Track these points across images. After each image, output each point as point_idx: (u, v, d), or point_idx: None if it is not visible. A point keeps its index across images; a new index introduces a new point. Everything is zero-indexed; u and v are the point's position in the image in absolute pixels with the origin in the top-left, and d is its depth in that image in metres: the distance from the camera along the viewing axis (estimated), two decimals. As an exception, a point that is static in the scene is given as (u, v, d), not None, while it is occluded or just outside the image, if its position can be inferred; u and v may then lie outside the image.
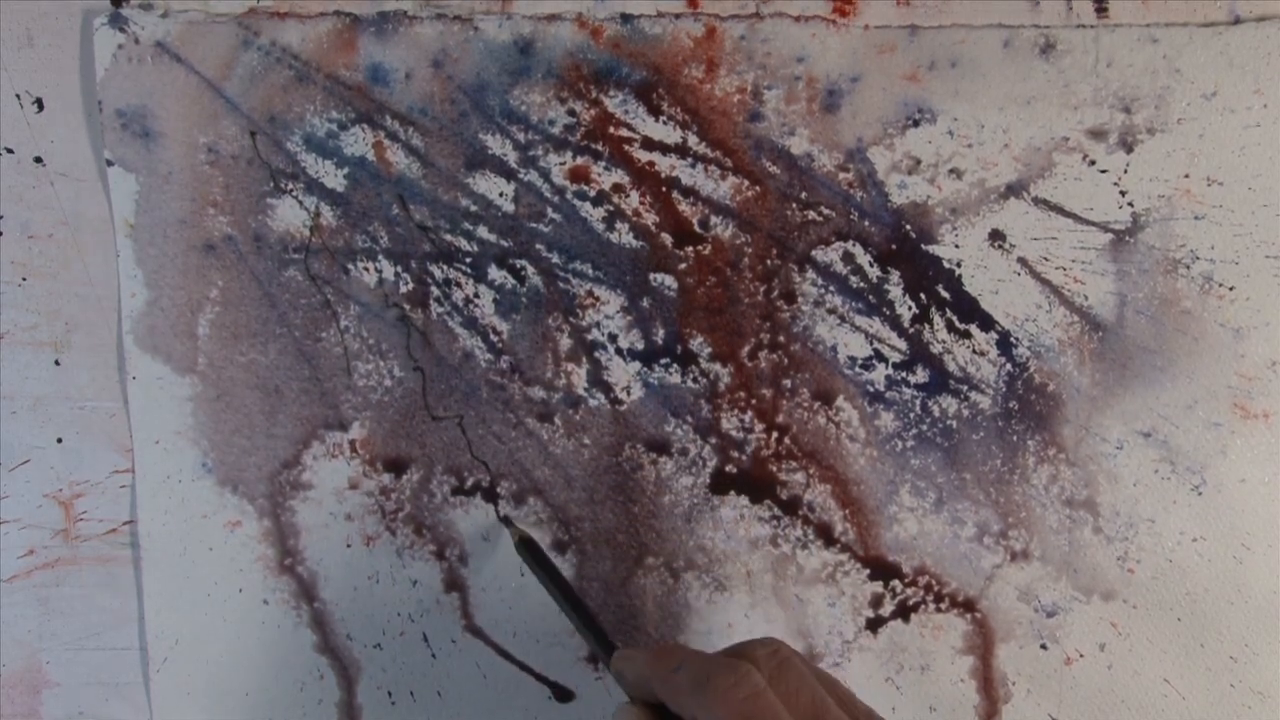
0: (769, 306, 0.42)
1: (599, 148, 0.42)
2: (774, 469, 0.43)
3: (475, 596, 0.44)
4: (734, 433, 0.43)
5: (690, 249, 0.42)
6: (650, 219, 0.42)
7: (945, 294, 0.42)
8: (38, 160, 0.43)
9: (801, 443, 0.43)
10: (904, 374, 0.43)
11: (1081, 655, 0.43)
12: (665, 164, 0.42)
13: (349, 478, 0.43)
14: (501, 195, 0.42)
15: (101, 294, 0.43)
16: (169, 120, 0.42)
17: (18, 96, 0.42)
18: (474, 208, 0.42)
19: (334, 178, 0.42)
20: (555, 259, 0.42)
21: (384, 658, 0.44)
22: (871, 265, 0.42)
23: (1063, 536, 0.43)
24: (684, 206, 0.42)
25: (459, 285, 0.43)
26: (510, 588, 0.44)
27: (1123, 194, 0.42)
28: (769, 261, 0.42)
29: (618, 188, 0.42)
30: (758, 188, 0.42)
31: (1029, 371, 0.42)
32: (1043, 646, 0.43)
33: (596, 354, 0.43)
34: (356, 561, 0.44)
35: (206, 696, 0.44)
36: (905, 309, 0.42)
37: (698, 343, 0.43)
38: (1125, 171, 0.41)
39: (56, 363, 0.43)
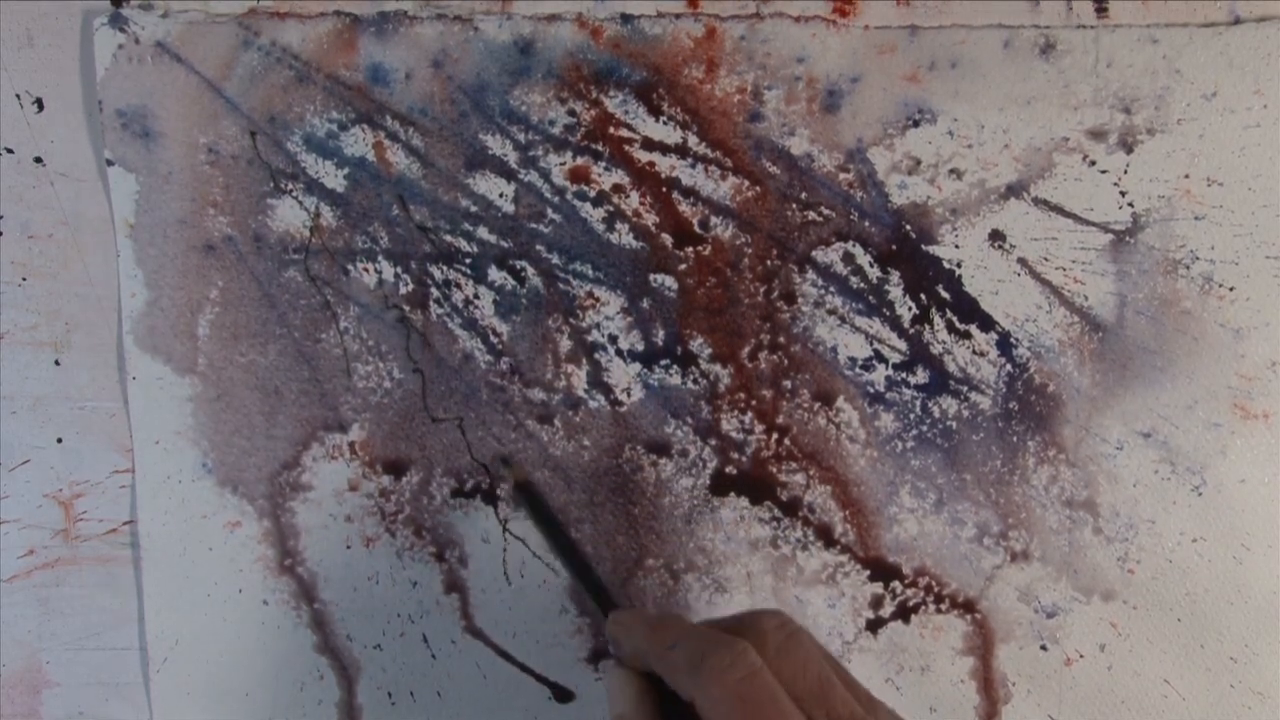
0: (769, 307, 0.42)
1: (599, 148, 0.42)
2: (774, 470, 0.43)
3: (475, 598, 0.44)
4: (734, 434, 0.43)
5: (690, 249, 0.42)
6: (650, 219, 0.42)
7: (945, 294, 0.42)
8: (38, 160, 0.43)
9: (801, 444, 0.43)
10: (904, 375, 0.43)
11: (1081, 656, 0.43)
12: (665, 164, 0.42)
13: (349, 479, 0.43)
14: (501, 196, 0.42)
15: (101, 294, 0.43)
16: (169, 120, 0.42)
17: (18, 96, 0.42)
18: (474, 208, 0.42)
19: (334, 178, 0.42)
20: (555, 260, 0.42)
21: (384, 658, 0.44)
22: (871, 266, 0.42)
23: (1063, 537, 0.43)
24: (684, 207, 0.42)
25: (459, 286, 0.42)
26: (510, 589, 0.44)
27: (1123, 194, 0.42)
28: (769, 262, 0.42)
29: (618, 188, 0.42)
30: (758, 188, 0.42)
31: (1029, 372, 0.42)
32: (1043, 647, 0.43)
33: (596, 355, 0.43)
34: (356, 562, 0.44)
35: (206, 696, 0.44)
36: (905, 309, 0.42)
37: (698, 344, 0.43)
38: (1125, 172, 0.41)
39: (56, 363, 0.43)
